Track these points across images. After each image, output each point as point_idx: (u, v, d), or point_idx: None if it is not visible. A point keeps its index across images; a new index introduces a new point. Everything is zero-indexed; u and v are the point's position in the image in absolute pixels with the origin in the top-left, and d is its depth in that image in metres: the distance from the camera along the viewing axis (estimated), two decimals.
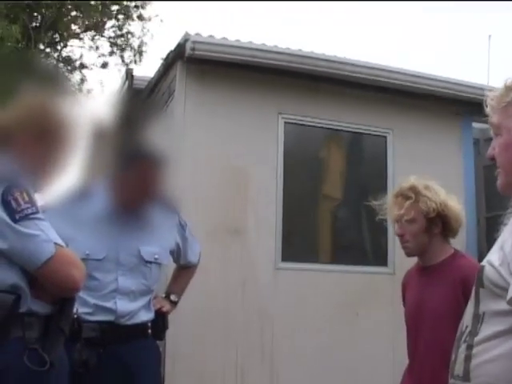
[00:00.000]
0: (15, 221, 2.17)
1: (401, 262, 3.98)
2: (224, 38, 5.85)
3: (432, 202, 3.11)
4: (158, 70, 6.55)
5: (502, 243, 1.79)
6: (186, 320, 5.07)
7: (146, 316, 3.30)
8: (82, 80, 13.07)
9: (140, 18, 11.83)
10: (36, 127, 2.34)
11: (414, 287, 3.27)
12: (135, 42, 12.20)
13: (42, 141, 2.35)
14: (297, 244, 6.20)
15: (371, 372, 5.91)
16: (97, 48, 12.40)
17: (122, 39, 12.13)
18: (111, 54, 12.55)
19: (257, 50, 5.87)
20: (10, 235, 2.16)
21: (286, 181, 6.08)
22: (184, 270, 3.75)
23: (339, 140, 6.61)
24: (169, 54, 6.08)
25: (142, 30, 12.16)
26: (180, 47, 5.78)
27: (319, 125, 6.30)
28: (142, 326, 3.27)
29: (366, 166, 6.73)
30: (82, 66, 12.96)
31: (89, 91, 13.14)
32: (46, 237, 2.22)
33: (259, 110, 6.05)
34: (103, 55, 12.52)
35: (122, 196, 3.18)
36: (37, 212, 2.22)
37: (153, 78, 6.91)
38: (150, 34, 12.33)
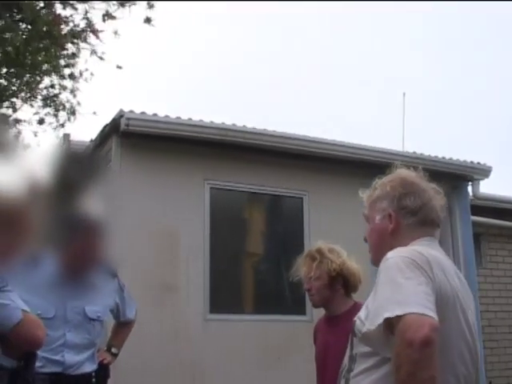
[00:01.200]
0: None
1: (318, 310, 4.19)
2: (155, 115, 6.38)
3: (334, 263, 3.62)
4: (95, 140, 6.98)
5: (367, 302, 2.21)
6: (125, 369, 5.28)
7: (90, 367, 3.69)
8: (17, 136, 12.91)
9: (71, 76, 11.77)
10: None
11: (323, 334, 3.73)
12: (70, 100, 12.11)
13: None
14: (223, 297, 6.63)
15: None
16: (31, 106, 12.32)
17: (55, 99, 12.08)
18: (44, 110, 12.44)
19: (184, 124, 6.46)
20: None
21: (212, 240, 6.57)
22: (123, 325, 4.21)
23: (260, 202, 7.18)
24: (105, 127, 6.56)
25: (73, 91, 12.10)
26: (115, 122, 6.30)
27: (241, 189, 6.87)
28: (87, 376, 3.66)
29: (285, 224, 7.29)
30: (17, 121, 12.78)
31: (25, 147, 12.98)
32: (15, 305, 2.67)
33: (187, 178, 6.58)
34: (37, 112, 12.41)
35: (67, 262, 3.58)
36: (6, 285, 2.68)
37: (89, 147, 7.35)
38: (82, 92, 12.17)
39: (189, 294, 6.35)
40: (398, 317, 1.93)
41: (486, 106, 29.45)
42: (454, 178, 8.16)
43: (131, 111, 6.26)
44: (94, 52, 10.11)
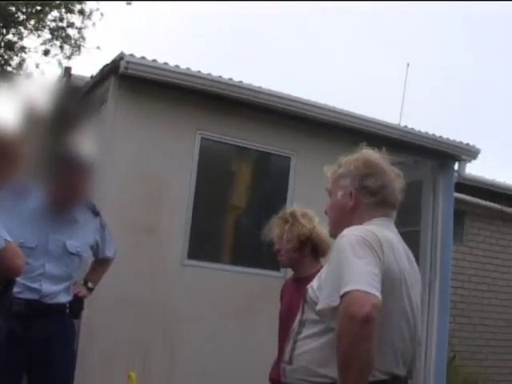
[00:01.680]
0: None
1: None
2: (154, 60, 6.49)
3: (304, 228, 3.81)
4: (94, 78, 7.11)
5: (321, 273, 2.46)
6: (101, 304, 5.60)
7: (65, 298, 3.96)
8: (21, 63, 12.99)
9: (81, 12, 11.83)
10: None
11: (289, 293, 3.91)
12: (75, 35, 12.17)
13: None
14: (202, 245, 6.83)
15: (259, 361, 6.47)
16: (38, 36, 12.36)
17: (62, 31, 12.12)
18: (51, 42, 12.47)
19: (181, 73, 6.56)
20: None
21: (198, 188, 6.74)
22: (101, 263, 4.43)
23: (249, 157, 7.34)
24: (104, 67, 6.67)
25: (82, 23, 12.15)
26: (115, 63, 6.41)
27: (232, 142, 7.01)
28: (61, 306, 3.93)
29: (272, 181, 7.45)
30: (23, 49, 12.83)
31: (28, 75, 13.08)
32: None
33: (180, 126, 6.73)
34: (44, 43, 12.45)
35: (53, 197, 3.80)
36: None
37: (88, 83, 7.47)
38: (90, 27, 12.23)
39: (169, 239, 6.55)
40: (346, 292, 2.11)
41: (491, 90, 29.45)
42: (441, 155, 8.30)
43: (131, 55, 6.36)
44: None
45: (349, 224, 2.46)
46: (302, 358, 2.37)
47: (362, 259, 2.21)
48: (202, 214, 6.79)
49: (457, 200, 8.91)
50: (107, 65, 6.62)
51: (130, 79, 6.46)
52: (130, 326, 6.21)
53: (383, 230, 2.43)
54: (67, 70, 8.58)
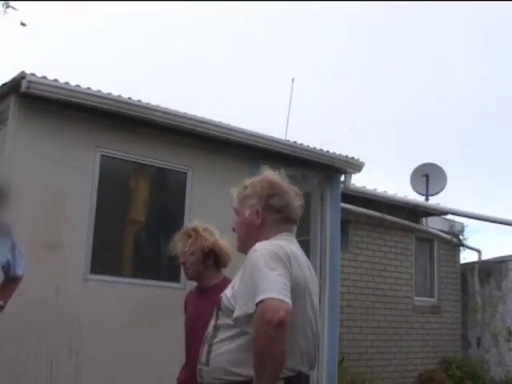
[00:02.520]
0: None
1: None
2: (55, 80, 6.59)
3: (207, 241, 4.09)
4: None
5: (234, 283, 2.71)
6: (5, 320, 5.33)
7: None
8: None
9: None
10: None
11: (193, 303, 4.14)
12: None
13: None
14: (104, 259, 6.97)
15: (161, 370, 6.68)
16: None
17: None
18: None
19: (82, 92, 6.70)
20: None
21: (98, 204, 6.89)
22: (11, 280, 4.55)
23: (147, 173, 7.55)
24: (3, 85, 6.72)
25: None
26: (15, 82, 6.45)
27: (131, 159, 7.22)
28: None
29: (169, 196, 7.70)
30: None
31: None
32: None
33: (80, 143, 6.87)
34: None
35: None
36: None
37: None
38: None
39: (71, 254, 6.65)
40: (261, 300, 2.35)
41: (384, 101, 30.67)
42: (328, 168, 8.81)
43: (33, 74, 6.43)
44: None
45: (256, 239, 2.73)
46: (218, 359, 2.59)
47: (274, 271, 2.45)
48: (103, 229, 6.93)
49: (342, 209, 9.42)
50: (6, 83, 6.66)
51: (31, 98, 6.54)
52: (36, 343, 6.25)
53: (289, 244, 2.70)
54: None
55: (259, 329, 2.34)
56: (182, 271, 6.80)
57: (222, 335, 2.63)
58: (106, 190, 7.01)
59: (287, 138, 8.73)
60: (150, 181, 7.66)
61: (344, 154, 8.76)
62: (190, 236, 4.16)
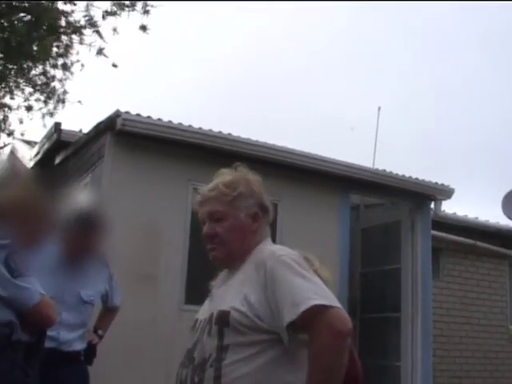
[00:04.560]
0: (14, 277, 3.00)
1: None
2: (149, 117, 6.87)
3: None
4: (88, 134, 7.47)
5: (245, 295, 2.22)
6: (105, 351, 5.79)
7: (80, 345, 4.14)
8: (4, 120, 13.08)
9: (64, 66, 11.94)
10: (24, 212, 3.09)
11: None
12: (59, 89, 12.30)
13: (28, 221, 3.09)
14: (199, 290, 6.96)
15: None
16: (22, 91, 12.48)
17: (45, 86, 12.24)
18: (33, 97, 12.56)
19: (174, 128, 6.97)
20: (10, 287, 2.99)
21: (191, 237, 7.04)
22: (109, 311, 4.63)
23: None
24: (99, 124, 7.02)
25: (64, 75, 12.21)
26: (110, 120, 6.78)
27: None
28: (76, 353, 4.11)
29: None
30: (4, 106, 12.90)
31: (10, 133, 13.18)
32: (34, 288, 3.07)
33: (173, 177, 7.09)
34: (27, 99, 12.54)
35: (67, 250, 4.02)
36: (27, 271, 3.08)
37: (81, 139, 7.83)
38: (71, 79, 12.35)
39: (167, 286, 6.84)
40: (325, 307, 2.05)
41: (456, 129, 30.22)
42: (418, 196, 8.75)
43: (127, 112, 6.73)
44: (92, 47, 10.38)
45: (249, 245, 2.40)
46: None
47: (315, 276, 2.19)
48: (196, 260, 6.98)
49: (432, 237, 9.32)
50: (102, 122, 6.96)
51: (126, 135, 6.82)
52: (133, 373, 6.42)
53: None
54: (57, 126, 8.76)
55: (326, 340, 2.04)
56: None
57: (234, 356, 2.17)
58: (198, 222, 7.08)
59: (375, 167, 8.73)
60: None
61: (433, 181, 8.69)
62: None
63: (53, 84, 12.09)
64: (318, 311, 2.04)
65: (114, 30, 10.68)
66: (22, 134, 13.10)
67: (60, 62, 11.72)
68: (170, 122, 6.97)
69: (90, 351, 4.34)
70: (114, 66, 11.03)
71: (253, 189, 2.45)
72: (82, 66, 11.75)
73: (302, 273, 2.15)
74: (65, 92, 12.15)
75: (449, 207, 10.63)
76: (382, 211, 9.46)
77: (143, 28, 10.28)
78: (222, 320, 2.24)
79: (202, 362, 2.23)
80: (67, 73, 11.88)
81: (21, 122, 12.88)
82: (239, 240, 2.42)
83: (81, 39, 10.66)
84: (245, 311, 2.19)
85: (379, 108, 10.86)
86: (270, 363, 2.13)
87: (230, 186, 2.46)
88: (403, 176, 8.45)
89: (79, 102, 12.04)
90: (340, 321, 2.05)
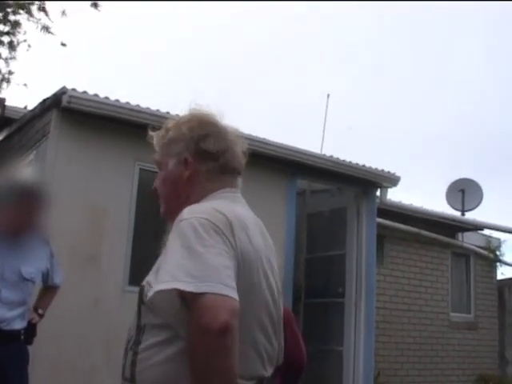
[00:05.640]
0: None
1: None
2: (95, 95, 6.75)
3: None
4: (33, 110, 7.32)
5: (158, 266, 1.92)
6: (44, 330, 5.73)
7: (20, 324, 4.08)
8: None
9: (10, 44, 11.72)
10: None
11: None
12: (2, 68, 12.05)
13: None
14: (143, 271, 6.95)
15: None
16: None
17: None
18: None
19: (120, 107, 6.86)
20: None
21: (137, 217, 6.99)
22: (49, 290, 4.56)
23: None
24: (45, 100, 6.89)
25: (10, 54, 11.99)
26: (56, 97, 6.64)
27: None
28: (16, 332, 4.05)
29: None
30: None
31: None
32: None
33: (119, 157, 7.00)
34: None
35: (6, 226, 3.96)
36: None
37: (25, 115, 7.68)
38: (18, 61, 12.13)
39: (110, 267, 6.76)
40: (193, 294, 1.68)
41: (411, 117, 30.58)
42: (364, 183, 8.83)
43: (74, 89, 6.60)
44: (40, 25, 10.18)
45: (187, 198, 2.06)
46: (147, 376, 1.86)
47: (210, 248, 1.76)
48: (141, 241, 7.00)
49: (377, 224, 9.43)
50: (48, 98, 6.82)
51: (72, 112, 6.69)
52: (74, 353, 6.35)
53: (231, 206, 1.99)
54: (1, 102, 8.60)
55: (194, 339, 1.68)
56: None
57: (148, 340, 1.87)
58: (144, 203, 7.09)
59: (323, 153, 8.77)
60: None
61: (379, 168, 8.77)
62: None
63: None
64: (191, 299, 1.69)
65: (63, 12, 10.47)
66: None
67: (6, 39, 11.50)
68: (117, 100, 6.86)
69: (31, 330, 4.27)
70: (63, 44, 10.85)
71: (183, 131, 2.12)
72: (29, 46, 11.54)
73: (192, 246, 1.77)
74: (10, 72, 11.90)
75: (395, 196, 10.78)
76: (328, 197, 9.51)
77: (95, 5, 10.13)
78: (140, 295, 1.96)
79: (127, 343, 1.97)
80: (13, 52, 11.64)
81: None
82: (170, 193, 2.15)
83: (28, 16, 10.44)
84: (151, 283, 1.90)
85: (328, 95, 10.97)
86: (180, 355, 1.77)
87: (166, 130, 2.19)
88: (350, 162, 8.51)
89: (25, 85, 11.83)
90: (207, 313, 1.65)
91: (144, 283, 1.96)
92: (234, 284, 1.73)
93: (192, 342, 1.67)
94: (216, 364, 1.64)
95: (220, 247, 1.78)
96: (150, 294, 1.80)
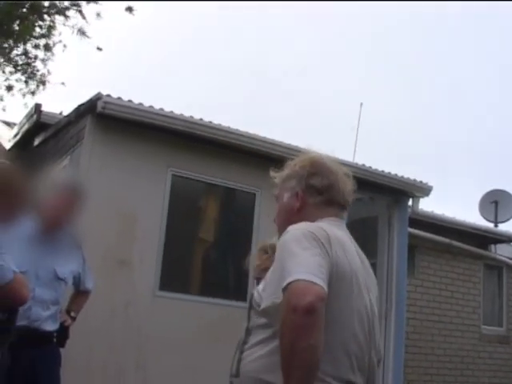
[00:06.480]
0: None
1: None
2: (130, 101, 6.81)
3: None
4: (69, 116, 7.40)
5: (267, 276, 2.22)
6: (76, 334, 5.75)
7: (52, 326, 4.08)
8: None
9: (46, 47, 11.85)
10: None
11: None
12: (40, 69, 12.17)
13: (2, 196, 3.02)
14: (173, 277, 7.09)
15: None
16: (3, 72, 12.36)
17: (27, 66, 12.13)
18: (14, 76, 12.43)
19: (155, 113, 6.91)
20: None
21: (168, 223, 7.03)
22: (81, 294, 4.58)
23: (216, 193, 7.69)
24: (80, 106, 6.96)
25: (45, 55, 12.10)
26: (91, 102, 6.71)
27: (201, 179, 7.36)
28: (48, 334, 4.06)
29: (237, 216, 7.81)
30: None
31: None
32: (7, 266, 2.99)
33: (152, 163, 7.05)
34: (7, 79, 12.41)
35: (44, 224, 3.98)
36: (1, 248, 2.99)
37: (61, 121, 7.77)
38: (54, 62, 12.24)
39: (141, 271, 6.81)
40: (287, 283, 1.93)
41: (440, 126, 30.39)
42: (396, 192, 8.78)
43: (108, 95, 6.67)
44: (76, 28, 10.30)
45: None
46: (248, 368, 2.14)
47: (307, 250, 2.04)
48: (172, 247, 7.07)
49: (409, 234, 9.36)
50: (83, 104, 6.91)
51: (106, 118, 6.76)
52: (105, 356, 6.40)
53: (333, 228, 2.26)
54: (37, 107, 8.72)
55: (284, 319, 1.89)
56: (249, 290, 7.10)
57: (254, 339, 2.17)
58: (176, 208, 7.15)
59: (355, 161, 8.74)
60: (220, 201, 7.79)
61: (412, 177, 8.73)
62: (266, 252, 4.24)
63: (34, 64, 11.98)
64: (285, 288, 1.94)
65: (98, 14, 10.61)
66: (4, 110, 12.97)
67: (42, 42, 11.63)
68: (151, 106, 6.92)
69: (63, 332, 4.28)
70: (99, 49, 10.99)
71: (296, 169, 2.46)
72: (65, 46, 11.66)
73: (292, 249, 2.06)
74: (47, 73, 12.05)
75: (427, 206, 10.70)
76: (360, 206, 9.46)
77: (129, 9, 10.23)
78: (250, 303, 2.30)
79: (237, 346, 2.27)
80: (49, 53, 11.76)
81: (1, 99, 12.74)
82: (284, 221, 2.41)
83: (65, 19, 10.58)
84: (260, 291, 2.22)
85: (361, 104, 10.93)
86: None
87: (285, 169, 2.53)
88: (382, 171, 8.47)
89: (62, 83, 11.98)
90: (295, 295, 1.89)
91: (253, 291, 2.30)
92: (324, 277, 1.96)
93: (282, 322, 1.89)
94: (300, 341, 1.84)
95: (316, 250, 2.05)
96: (262, 305, 2.11)
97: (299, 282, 1.90)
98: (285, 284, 1.93)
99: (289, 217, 2.39)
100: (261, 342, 2.13)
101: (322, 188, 2.40)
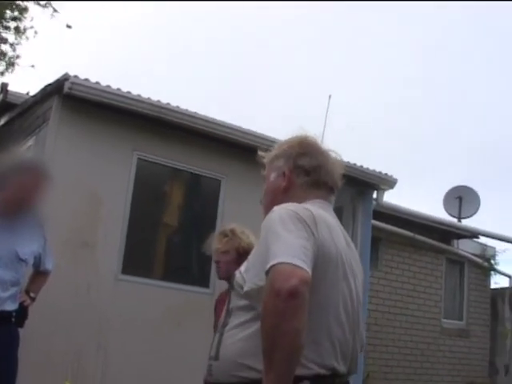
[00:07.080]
0: None
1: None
2: (97, 83, 6.77)
3: (243, 242, 4.13)
4: (35, 96, 7.32)
5: (250, 257, 2.19)
6: (36, 315, 5.70)
7: (11, 306, 4.01)
8: None
9: (17, 29, 11.76)
10: None
11: (223, 304, 4.28)
12: (9, 52, 12.09)
13: None
14: (136, 261, 7.09)
15: (187, 374, 6.46)
16: None
17: None
18: None
19: (122, 96, 6.87)
20: None
21: (133, 206, 7.01)
22: (40, 274, 4.53)
23: (182, 179, 7.68)
24: (47, 86, 6.89)
25: (16, 40, 12.04)
26: (58, 83, 6.65)
27: (166, 164, 7.35)
28: (6, 314, 3.98)
29: (202, 202, 7.80)
30: None
31: None
32: None
33: (118, 146, 7.03)
34: None
35: (5, 205, 3.93)
36: None
37: (27, 101, 7.68)
38: (23, 46, 12.16)
39: (105, 254, 6.78)
40: (271, 266, 1.88)
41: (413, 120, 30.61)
42: (361, 184, 8.84)
43: (76, 76, 6.61)
44: (47, 7, 10.24)
45: None
46: (228, 351, 2.07)
47: (291, 232, 1.97)
48: (136, 231, 7.04)
49: (373, 227, 9.45)
50: (50, 84, 6.84)
51: (73, 99, 6.71)
52: (65, 337, 6.37)
53: (319, 210, 2.19)
54: (4, 87, 8.62)
55: (266, 302, 1.84)
56: (212, 276, 7.21)
57: (234, 320, 2.10)
58: (140, 192, 7.13)
59: None
60: (185, 186, 7.77)
61: (377, 170, 8.79)
62: (226, 235, 4.24)
63: (4, 47, 11.90)
64: (268, 271, 1.89)
65: None
66: None
67: (13, 25, 11.55)
68: (118, 89, 6.88)
69: (22, 313, 4.23)
70: (68, 26, 10.93)
71: (284, 149, 2.41)
72: (36, 32, 11.60)
73: (274, 232, 2.00)
74: (17, 56, 11.97)
75: (396, 200, 10.79)
76: None
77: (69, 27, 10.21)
78: (231, 282, 2.25)
79: (217, 329, 2.22)
80: (19, 38, 11.69)
81: None
82: (270, 201, 2.34)
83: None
84: (242, 272, 2.16)
85: (330, 96, 10.90)
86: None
87: (273, 149, 2.49)
88: (348, 162, 8.50)
89: (32, 66, 11.90)
90: (279, 278, 1.83)
91: (236, 272, 2.20)
92: (308, 260, 1.90)
93: (264, 305, 1.85)
94: (283, 325, 1.79)
95: (300, 233, 1.98)
96: (245, 287, 2.05)
97: (283, 265, 1.85)
98: (268, 267, 1.88)
99: (275, 197, 2.33)
100: (241, 324, 2.07)
101: (310, 168, 2.34)
